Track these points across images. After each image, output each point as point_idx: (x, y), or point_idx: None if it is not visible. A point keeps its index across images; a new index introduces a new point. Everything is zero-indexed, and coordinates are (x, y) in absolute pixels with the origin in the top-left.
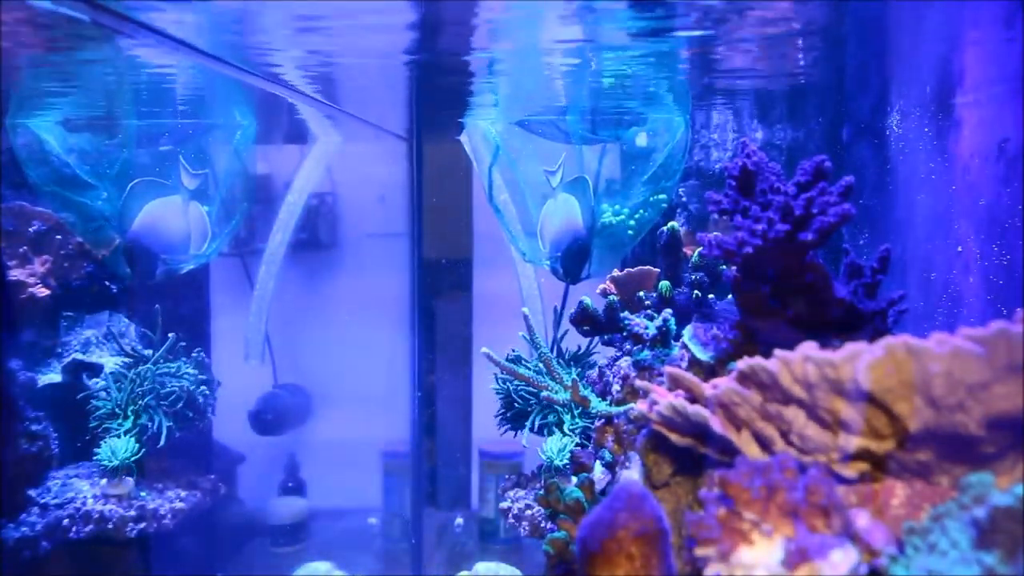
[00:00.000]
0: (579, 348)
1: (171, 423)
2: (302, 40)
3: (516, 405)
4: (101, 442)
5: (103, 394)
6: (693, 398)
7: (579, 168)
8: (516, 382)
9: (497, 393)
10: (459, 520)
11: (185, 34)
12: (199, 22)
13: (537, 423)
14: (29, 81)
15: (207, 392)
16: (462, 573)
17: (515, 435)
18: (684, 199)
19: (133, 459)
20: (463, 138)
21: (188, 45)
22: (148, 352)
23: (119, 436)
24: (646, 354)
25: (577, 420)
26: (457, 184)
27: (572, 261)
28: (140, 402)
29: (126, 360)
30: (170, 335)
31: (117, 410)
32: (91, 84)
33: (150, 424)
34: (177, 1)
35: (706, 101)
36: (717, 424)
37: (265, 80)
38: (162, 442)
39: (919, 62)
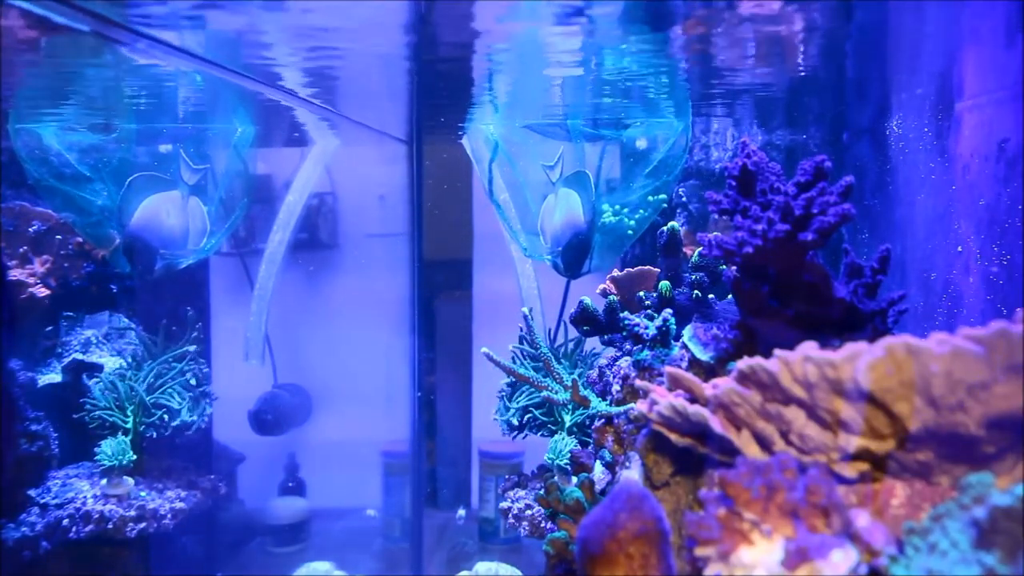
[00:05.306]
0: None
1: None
2: (302, 45)
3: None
4: (100, 442)
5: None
6: (693, 398)
7: (580, 164)
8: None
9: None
10: (461, 512)
11: (188, 44)
12: (200, 35)
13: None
14: (29, 91)
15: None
16: (462, 573)
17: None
18: (684, 199)
19: (131, 459)
20: (464, 141)
21: (190, 53)
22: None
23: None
24: (646, 354)
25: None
26: (457, 184)
27: (573, 256)
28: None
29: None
30: (198, 326)
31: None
32: (91, 91)
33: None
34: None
35: (707, 102)
36: (717, 424)
37: (265, 85)
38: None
39: (920, 64)
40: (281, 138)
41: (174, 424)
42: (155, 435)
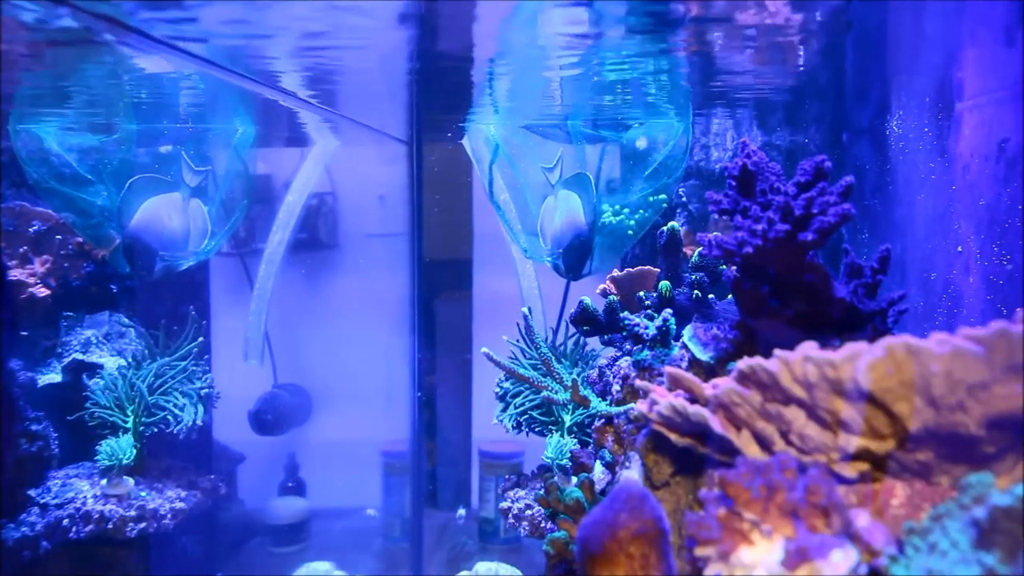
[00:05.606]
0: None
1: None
2: (302, 45)
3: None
4: (101, 442)
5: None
6: (693, 398)
7: (581, 165)
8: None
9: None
10: (461, 512)
11: (192, 45)
12: (205, 35)
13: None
14: (29, 94)
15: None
16: (462, 573)
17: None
18: (684, 199)
19: (131, 458)
20: (464, 141)
21: (190, 53)
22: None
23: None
24: (646, 354)
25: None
26: (457, 184)
27: (574, 258)
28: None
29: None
30: (197, 331)
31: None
32: (91, 93)
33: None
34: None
35: (707, 102)
36: (717, 424)
37: (265, 87)
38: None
39: (920, 64)
40: (281, 138)
41: (176, 424)
42: (156, 431)
